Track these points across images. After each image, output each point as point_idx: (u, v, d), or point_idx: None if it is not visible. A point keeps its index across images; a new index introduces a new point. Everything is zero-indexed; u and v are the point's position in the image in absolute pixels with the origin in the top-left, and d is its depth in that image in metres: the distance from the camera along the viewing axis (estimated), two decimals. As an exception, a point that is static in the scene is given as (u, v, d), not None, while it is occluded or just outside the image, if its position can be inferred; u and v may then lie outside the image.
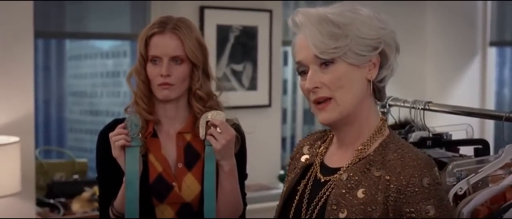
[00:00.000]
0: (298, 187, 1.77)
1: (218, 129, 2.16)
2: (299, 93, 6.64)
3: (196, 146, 2.31)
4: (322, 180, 1.72)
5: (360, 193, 1.62)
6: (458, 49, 5.54)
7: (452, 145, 2.30)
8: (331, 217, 1.62)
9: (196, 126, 2.32)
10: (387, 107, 2.43)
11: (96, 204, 4.01)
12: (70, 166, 4.42)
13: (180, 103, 2.34)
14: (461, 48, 5.54)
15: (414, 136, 2.29)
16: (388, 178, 1.60)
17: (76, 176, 4.34)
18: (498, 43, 5.57)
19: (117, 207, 2.26)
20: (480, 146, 2.23)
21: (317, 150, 1.81)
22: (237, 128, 2.34)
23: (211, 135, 2.16)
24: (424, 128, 2.29)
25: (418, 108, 2.25)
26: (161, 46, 2.27)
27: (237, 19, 4.70)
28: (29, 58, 3.72)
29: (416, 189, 1.57)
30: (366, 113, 1.70)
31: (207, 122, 2.19)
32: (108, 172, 2.32)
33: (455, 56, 5.56)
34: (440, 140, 2.29)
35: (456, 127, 2.44)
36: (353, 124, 1.70)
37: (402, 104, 2.35)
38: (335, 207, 1.63)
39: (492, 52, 5.58)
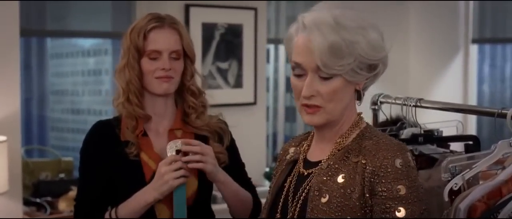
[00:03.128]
0: (285, 184, 1.84)
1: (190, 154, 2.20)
2: (281, 90, 6.66)
3: None
4: (305, 173, 1.79)
5: (340, 178, 1.69)
6: (441, 46, 5.59)
7: (444, 141, 2.33)
8: (314, 202, 1.69)
9: (187, 121, 2.34)
10: (378, 104, 2.45)
11: (83, 203, 4.01)
12: (55, 165, 4.40)
13: (169, 99, 2.35)
14: (443, 45, 5.59)
15: (406, 132, 2.31)
16: (364, 161, 1.67)
17: (62, 175, 4.32)
18: (480, 41, 5.63)
19: (124, 215, 2.25)
20: (470, 142, 2.26)
21: (301, 149, 1.87)
22: (223, 122, 2.41)
23: (195, 161, 2.19)
24: (415, 124, 2.32)
25: (410, 105, 2.28)
26: (162, 41, 2.28)
27: (222, 17, 4.71)
28: (14, 56, 3.70)
29: (389, 170, 1.64)
30: (348, 114, 1.77)
31: (177, 151, 2.21)
32: (93, 177, 2.31)
33: (438, 53, 5.61)
34: (432, 137, 2.31)
35: (446, 124, 2.47)
36: (335, 125, 1.76)
37: (394, 101, 2.37)
38: (317, 193, 1.70)
39: (474, 49, 5.64)
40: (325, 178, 1.71)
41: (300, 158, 1.85)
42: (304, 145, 1.88)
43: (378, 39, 1.70)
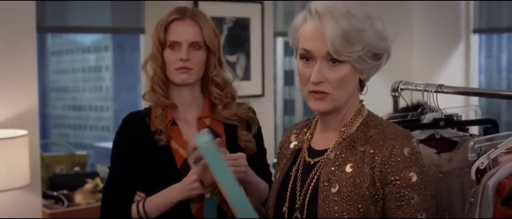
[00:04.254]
0: (291, 173, 1.88)
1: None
2: (279, 84, 6.72)
3: (216, 130, 2.40)
4: (311, 162, 1.83)
5: (348, 168, 1.74)
6: (443, 37, 5.67)
7: (464, 125, 2.42)
8: (324, 193, 1.74)
9: (214, 111, 2.41)
10: (399, 90, 2.53)
11: (99, 196, 4.07)
12: (70, 159, 4.46)
13: (195, 89, 2.42)
14: (445, 35, 5.66)
15: (427, 117, 2.39)
16: (372, 151, 1.73)
17: (76, 169, 4.38)
18: (481, 31, 5.71)
19: (151, 211, 2.32)
20: (489, 126, 2.36)
21: (304, 137, 1.91)
22: (251, 110, 2.48)
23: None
24: (436, 109, 2.40)
25: (431, 91, 2.36)
26: (181, 32, 2.35)
27: (230, 11, 4.78)
28: (32, 52, 3.76)
29: (399, 159, 1.70)
30: (351, 102, 1.81)
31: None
32: (124, 167, 2.38)
33: (440, 43, 5.69)
34: (452, 121, 2.40)
35: (464, 109, 2.56)
36: (339, 112, 1.80)
37: (414, 88, 2.45)
38: (327, 184, 1.74)
39: (475, 39, 5.73)
40: (333, 168, 1.76)
41: (304, 147, 1.88)
42: (307, 134, 1.91)
43: (383, 30, 1.76)
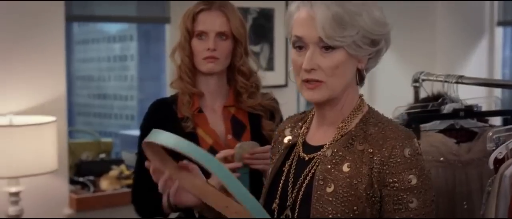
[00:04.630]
0: (283, 168, 1.79)
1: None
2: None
3: (241, 118, 2.46)
4: (306, 158, 1.75)
5: (345, 167, 1.65)
6: (467, 29, 5.67)
7: (484, 115, 2.45)
8: (319, 192, 1.65)
9: (239, 100, 2.47)
10: (420, 81, 2.57)
11: (124, 182, 4.16)
12: (95, 146, 4.53)
13: (221, 78, 2.48)
14: (469, 28, 5.66)
15: (448, 107, 2.43)
16: (371, 151, 1.65)
17: (102, 156, 4.46)
18: (505, 23, 5.71)
19: (175, 201, 2.36)
20: (508, 116, 2.40)
21: (299, 131, 1.83)
22: (274, 100, 2.55)
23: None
24: (456, 100, 2.44)
25: (451, 82, 2.40)
26: (209, 22, 2.42)
27: (254, 2, 4.83)
28: (60, 41, 3.84)
29: (398, 160, 1.62)
30: (350, 95, 1.73)
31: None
32: None
33: (464, 36, 5.69)
34: (472, 111, 2.44)
35: (483, 100, 2.59)
36: (336, 105, 1.72)
37: (435, 79, 2.50)
38: (322, 182, 1.66)
39: (500, 32, 5.72)
40: (329, 167, 1.67)
41: (299, 142, 1.80)
42: (303, 128, 1.83)
43: (381, 17, 1.68)
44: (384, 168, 1.62)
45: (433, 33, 5.66)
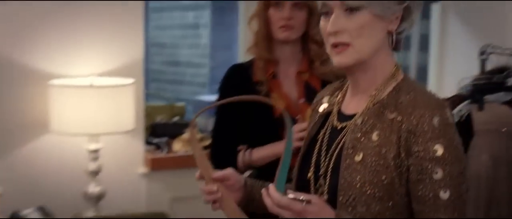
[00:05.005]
0: (318, 136, 1.79)
1: None
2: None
3: (314, 84, 2.58)
4: (339, 127, 1.74)
5: (374, 136, 1.63)
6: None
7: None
8: (348, 161, 1.64)
9: (312, 67, 2.59)
10: (487, 54, 2.63)
11: (196, 144, 4.32)
12: (169, 110, 4.70)
13: (295, 46, 2.60)
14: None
15: (512, 80, 2.49)
16: (400, 118, 1.61)
17: (175, 119, 4.62)
18: None
19: (257, 160, 2.52)
20: None
21: (335, 99, 1.82)
22: None
23: None
24: (522, 73, 2.49)
25: (517, 55, 2.45)
26: None
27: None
28: (139, 6, 3.98)
29: (426, 129, 1.56)
30: (382, 61, 1.69)
31: None
32: (228, 114, 2.60)
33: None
34: (538, 84, 2.48)
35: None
36: (367, 71, 1.69)
37: (502, 52, 2.54)
38: (351, 151, 1.65)
39: None
40: (359, 135, 1.65)
41: (334, 110, 1.79)
42: (339, 96, 1.81)
43: None
44: (411, 136, 1.58)
45: (502, 6, 5.60)
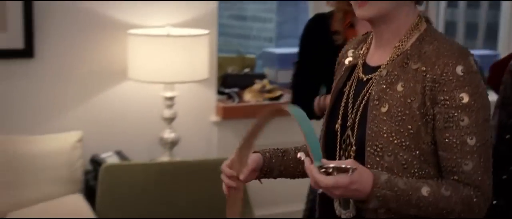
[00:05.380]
0: (344, 89, 1.82)
1: None
2: (442, 5, 6.69)
3: None
4: (365, 79, 1.75)
5: (399, 87, 1.65)
6: None
7: None
8: (374, 112, 1.67)
9: None
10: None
11: (266, 95, 4.43)
12: (240, 61, 4.80)
13: None
14: None
15: None
16: (424, 68, 1.63)
17: (246, 70, 4.73)
18: None
19: (322, 107, 2.64)
20: None
21: (360, 52, 1.84)
22: None
23: None
24: None
25: None
26: None
27: None
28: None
29: (450, 77, 1.59)
30: (405, 13, 1.71)
31: None
32: (307, 59, 2.74)
33: None
34: None
35: None
36: (391, 23, 1.71)
37: None
38: (377, 103, 1.67)
39: None
40: (384, 86, 1.67)
41: (359, 63, 1.81)
42: (363, 48, 1.83)
43: None
44: (436, 85, 1.61)
45: None
